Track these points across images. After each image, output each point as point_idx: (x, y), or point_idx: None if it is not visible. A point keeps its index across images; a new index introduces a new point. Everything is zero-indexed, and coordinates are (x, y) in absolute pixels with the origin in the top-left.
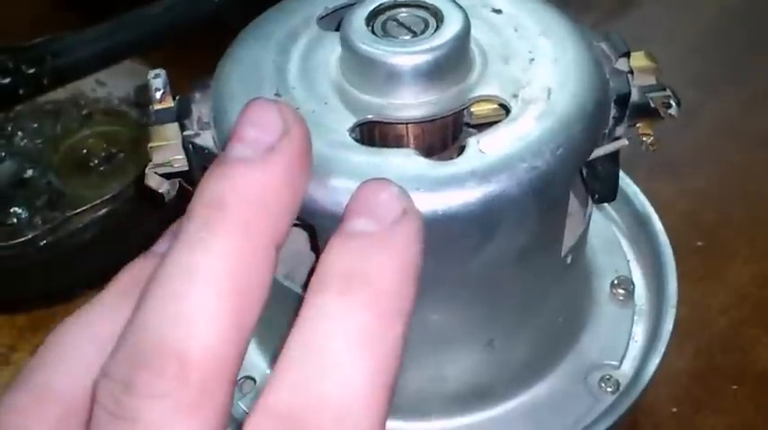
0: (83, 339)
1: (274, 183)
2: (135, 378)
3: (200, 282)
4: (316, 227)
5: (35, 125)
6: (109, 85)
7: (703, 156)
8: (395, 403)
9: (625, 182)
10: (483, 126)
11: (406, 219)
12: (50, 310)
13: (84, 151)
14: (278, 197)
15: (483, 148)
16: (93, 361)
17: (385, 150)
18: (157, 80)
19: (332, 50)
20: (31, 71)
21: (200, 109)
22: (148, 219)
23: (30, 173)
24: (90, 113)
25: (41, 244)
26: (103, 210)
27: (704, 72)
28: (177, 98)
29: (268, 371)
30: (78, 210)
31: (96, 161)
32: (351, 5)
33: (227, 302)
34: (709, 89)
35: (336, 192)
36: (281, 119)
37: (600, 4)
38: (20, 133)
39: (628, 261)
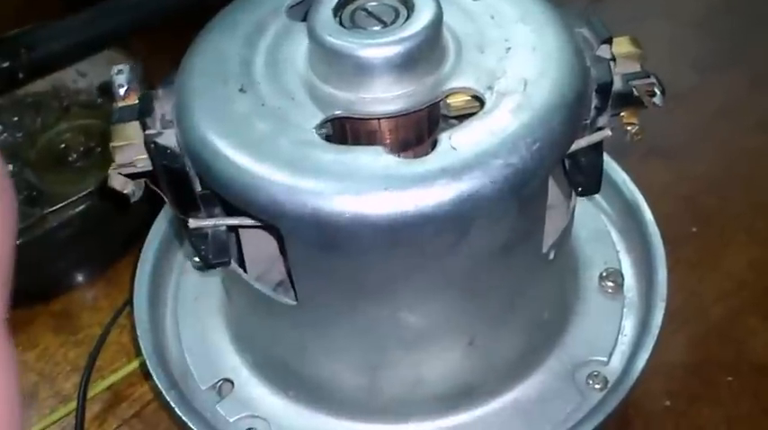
0: None
1: None
2: None
3: None
4: (281, 229)
5: (15, 118)
6: (90, 76)
7: (701, 139)
8: (375, 406)
9: (614, 169)
10: (462, 117)
11: None
12: (30, 310)
13: (62, 146)
14: None
15: (455, 144)
16: None
17: (353, 148)
18: (120, 76)
19: (300, 42)
20: (5, 65)
21: (164, 106)
22: (127, 215)
23: (9, 168)
24: (68, 106)
25: (17, 243)
26: (81, 207)
27: (704, 51)
28: (140, 95)
29: (245, 373)
30: (55, 207)
31: (74, 156)
32: None
33: None
34: (708, 69)
35: (301, 192)
36: None
37: None
38: (0, 127)
39: (617, 252)
